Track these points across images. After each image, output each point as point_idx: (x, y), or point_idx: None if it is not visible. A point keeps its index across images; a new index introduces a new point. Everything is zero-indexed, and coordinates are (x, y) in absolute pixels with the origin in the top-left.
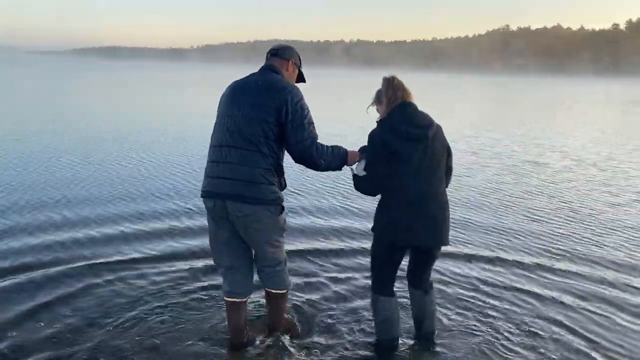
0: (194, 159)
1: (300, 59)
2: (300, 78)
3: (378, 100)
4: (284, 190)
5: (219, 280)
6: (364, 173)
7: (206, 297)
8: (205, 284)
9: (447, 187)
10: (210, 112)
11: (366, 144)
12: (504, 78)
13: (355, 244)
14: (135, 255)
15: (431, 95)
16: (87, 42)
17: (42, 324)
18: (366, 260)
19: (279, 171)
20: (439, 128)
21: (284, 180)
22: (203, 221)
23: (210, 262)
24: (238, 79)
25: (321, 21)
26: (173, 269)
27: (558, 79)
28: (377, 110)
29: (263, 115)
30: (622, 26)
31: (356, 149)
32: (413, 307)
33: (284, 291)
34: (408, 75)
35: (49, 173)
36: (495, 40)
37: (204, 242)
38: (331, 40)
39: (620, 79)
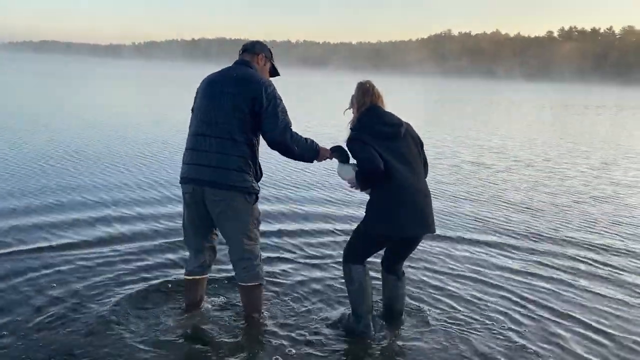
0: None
1: (271, 53)
2: (274, 72)
3: (351, 104)
4: (260, 181)
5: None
6: (355, 169)
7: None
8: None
9: (425, 178)
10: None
11: (336, 144)
12: (443, 81)
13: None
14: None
15: None
16: (23, 36)
17: None
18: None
19: (254, 160)
20: (408, 125)
21: (260, 169)
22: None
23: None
24: (214, 72)
25: (268, 21)
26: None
27: (493, 83)
28: (352, 113)
29: (238, 106)
30: (556, 34)
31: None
32: (385, 291)
33: (259, 284)
34: (354, 77)
35: None
36: (437, 44)
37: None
38: (277, 40)
39: (550, 83)
